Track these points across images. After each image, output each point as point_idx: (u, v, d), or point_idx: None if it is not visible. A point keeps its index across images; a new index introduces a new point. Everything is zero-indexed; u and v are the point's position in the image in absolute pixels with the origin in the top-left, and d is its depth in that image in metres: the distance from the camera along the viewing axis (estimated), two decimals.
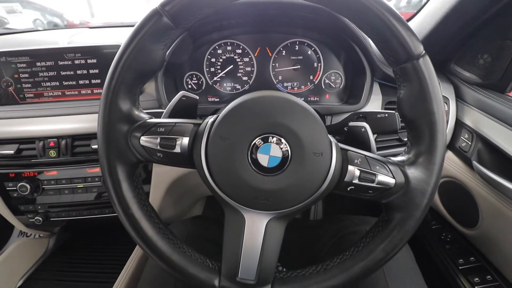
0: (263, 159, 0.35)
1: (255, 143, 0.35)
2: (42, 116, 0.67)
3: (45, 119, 0.66)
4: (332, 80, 0.69)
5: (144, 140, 0.38)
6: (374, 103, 0.64)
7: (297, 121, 0.35)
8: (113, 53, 0.67)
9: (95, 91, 0.70)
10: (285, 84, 0.71)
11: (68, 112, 0.67)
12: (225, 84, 0.72)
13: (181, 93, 0.44)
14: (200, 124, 0.40)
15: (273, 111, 0.35)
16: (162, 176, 0.73)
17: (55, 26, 4.08)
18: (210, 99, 0.73)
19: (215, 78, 0.71)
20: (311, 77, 0.70)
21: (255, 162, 0.35)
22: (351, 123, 0.43)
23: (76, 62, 0.68)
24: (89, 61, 0.68)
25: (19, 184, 0.69)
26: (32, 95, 0.70)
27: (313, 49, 0.68)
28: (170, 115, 0.45)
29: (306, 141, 0.35)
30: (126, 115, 0.38)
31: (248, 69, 0.70)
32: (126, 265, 0.72)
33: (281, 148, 0.35)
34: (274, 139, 0.35)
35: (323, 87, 0.70)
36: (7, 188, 0.72)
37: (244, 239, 0.38)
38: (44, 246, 0.82)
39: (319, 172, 0.36)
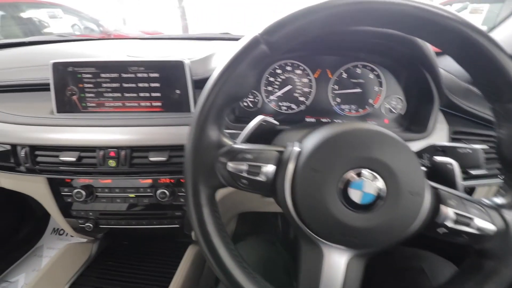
0: (356, 195, 0.33)
1: (348, 177, 0.34)
2: (103, 126, 0.68)
3: (106, 129, 0.68)
4: (393, 105, 0.68)
5: (231, 166, 0.38)
6: (440, 133, 0.62)
7: (394, 157, 0.34)
8: (175, 68, 0.69)
9: (154, 103, 0.71)
10: (343, 107, 0.70)
11: (128, 123, 0.68)
12: (280, 103, 0.71)
13: (260, 118, 0.44)
14: (283, 151, 0.39)
15: (369, 145, 0.34)
16: None
17: (92, 31, 4.29)
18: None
19: (271, 97, 0.71)
20: (371, 101, 0.68)
21: (347, 197, 0.34)
22: (437, 158, 0.42)
23: (139, 75, 0.70)
24: (151, 75, 0.70)
25: (75, 191, 0.70)
26: (94, 104, 0.72)
27: (375, 73, 0.67)
28: (248, 140, 0.45)
29: (402, 178, 0.33)
30: (214, 140, 0.38)
31: (306, 89, 0.69)
32: (173, 280, 0.72)
33: (376, 185, 0.33)
34: (369, 174, 0.33)
35: (383, 111, 0.68)
36: (62, 193, 0.74)
37: (323, 275, 0.37)
38: (88, 251, 0.83)
39: (413, 212, 0.34)
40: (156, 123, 0.68)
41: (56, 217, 0.78)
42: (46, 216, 1.56)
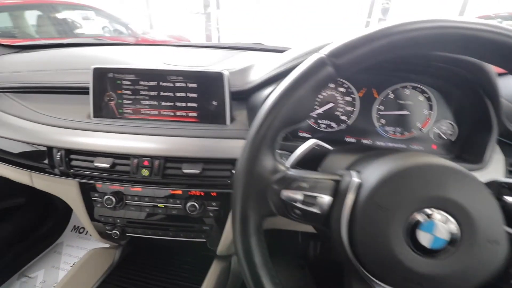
0: (425, 238, 0.30)
1: (417, 218, 0.30)
2: (138, 134, 0.68)
3: (141, 137, 0.67)
4: (443, 131, 0.63)
5: (285, 194, 0.35)
6: (496, 165, 0.57)
7: (471, 198, 0.30)
8: (213, 79, 0.67)
9: (189, 114, 0.70)
10: (387, 128, 0.66)
11: (163, 132, 0.67)
12: (320, 121, 0.68)
13: (313, 142, 0.41)
14: (339, 180, 0.36)
15: (444, 183, 0.31)
16: None
17: (120, 34, 4.44)
18: (301, 134, 0.70)
19: (311, 114, 0.68)
20: (418, 124, 0.64)
21: (414, 239, 0.30)
22: (509, 199, 0.37)
23: (177, 84, 0.69)
24: (189, 85, 0.69)
25: (106, 197, 0.70)
26: (130, 111, 0.72)
27: (425, 95, 0.63)
28: (298, 164, 0.42)
29: (480, 224, 0.30)
30: (268, 165, 0.35)
31: (349, 108, 0.66)
32: None
33: (449, 229, 0.30)
34: (442, 216, 0.30)
35: (431, 136, 0.64)
36: (92, 198, 0.73)
37: None
38: (111, 257, 0.82)
39: (489, 262, 0.30)
40: (191, 134, 0.67)
41: (84, 221, 0.77)
42: (67, 213, 1.59)
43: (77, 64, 0.85)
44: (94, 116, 0.72)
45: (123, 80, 0.70)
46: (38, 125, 0.72)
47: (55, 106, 0.76)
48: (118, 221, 0.75)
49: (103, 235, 0.79)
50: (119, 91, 0.71)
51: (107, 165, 0.66)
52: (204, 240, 0.75)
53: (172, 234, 0.74)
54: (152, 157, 0.66)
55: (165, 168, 0.66)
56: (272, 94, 0.35)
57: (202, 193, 0.71)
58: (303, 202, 0.35)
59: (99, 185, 0.73)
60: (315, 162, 0.43)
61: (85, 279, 0.74)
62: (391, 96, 0.64)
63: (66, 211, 1.56)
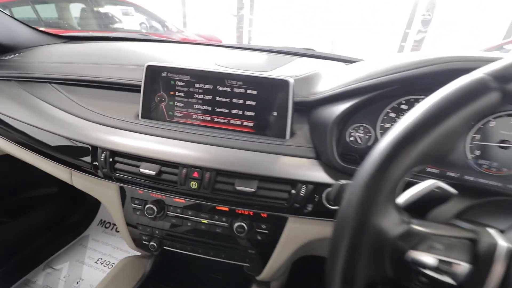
0: None
1: None
2: (189, 141, 0.61)
3: (192, 145, 0.61)
4: None
5: (413, 257, 0.26)
6: None
7: None
8: (277, 87, 0.60)
9: (245, 123, 0.63)
10: (481, 162, 0.55)
11: (215, 142, 0.61)
12: None
13: (433, 183, 0.32)
14: (475, 239, 0.27)
15: None
16: (297, 233, 0.62)
17: (156, 30, 4.52)
18: None
19: None
20: None
21: None
22: None
23: (235, 90, 0.62)
24: (249, 91, 0.62)
25: (147, 206, 0.64)
26: (181, 114, 0.66)
27: None
28: (408, 208, 0.33)
29: None
30: (389, 215, 0.27)
31: None
32: None
33: None
34: None
35: None
36: (133, 205, 0.68)
37: None
38: (143, 267, 0.77)
39: None
40: (246, 147, 0.59)
41: (120, 227, 0.72)
42: (95, 206, 1.58)
43: (127, 59, 0.81)
44: (142, 117, 0.67)
45: (177, 81, 0.64)
46: (83, 121, 0.68)
47: (102, 102, 0.72)
48: (157, 232, 0.69)
49: (138, 244, 0.74)
50: (171, 92, 0.65)
51: (153, 173, 0.60)
52: (248, 265, 0.67)
53: (213, 254, 0.68)
54: (202, 169, 0.59)
55: (215, 182, 0.59)
56: (402, 121, 0.27)
57: (251, 213, 0.63)
58: (435, 269, 0.26)
59: (140, 192, 0.67)
60: (425, 207, 0.34)
61: None
62: (492, 124, 0.53)
63: (94, 204, 1.55)
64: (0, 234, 1.21)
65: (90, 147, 0.65)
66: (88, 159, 0.66)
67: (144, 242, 0.70)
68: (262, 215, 0.63)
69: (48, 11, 3.58)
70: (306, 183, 0.56)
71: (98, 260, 1.36)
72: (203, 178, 0.59)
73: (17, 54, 0.93)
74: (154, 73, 0.65)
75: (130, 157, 0.63)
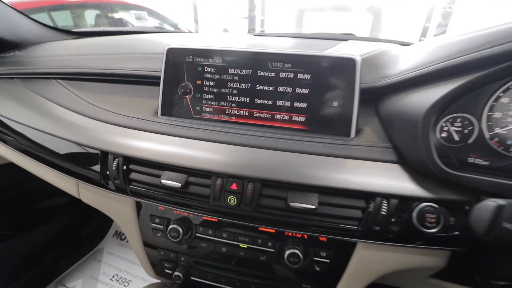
0: None
1: None
2: (224, 143, 0.47)
3: (227, 148, 0.47)
4: None
5: None
6: None
7: None
8: (339, 68, 0.45)
9: (295, 118, 0.48)
10: None
11: (257, 143, 0.46)
12: (509, 142, 0.42)
13: None
14: None
15: None
16: (371, 264, 0.46)
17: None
18: (471, 160, 0.44)
19: (499, 130, 0.42)
20: None
21: None
22: None
23: (282, 75, 0.47)
24: (300, 75, 0.47)
25: (171, 227, 0.50)
26: (211, 109, 0.52)
27: None
28: None
29: None
30: None
31: None
32: None
33: None
34: None
35: None
36: (152, 224, 0.54)
37: None
38: None
39: None
40: (300, 149, 0.45)
41: (137, 251, 0.59)
42: (110, 218, 1.47)
43: (143, 48, 0.68)
44: (163, 114, 0.53)
45: (205, 67, 0.51)
46: (91, 120, 0.55)
47: (115, 99, 0.60)
48: (183, 259, 0.55)
49: (159, 272, 0.60)
50: (198, 82, 0.51)
51: (178, 184, 0.46)
52: None
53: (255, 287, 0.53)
54: (243, 179, 0.45)
55: (260, 197, 0.44)
56: None
57: (305, 235, 0.48)
58: None
59: (161, 208, 0.54)
60: None
61: None
62: None
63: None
64: (9, 249, 1.11)
65: (99, 153, 0.52)
66: (97, 167, 0.53)
67: (166, 270, 0.56)
68: (320, 238, 0.48)
69: (63, 18, 3.59)
70: (388, 196, 0.41)
71: (113, 277, 1.24)
72: (244, 192, 0.44)
73: (22, 51, 0.83)
74: (177, 58, 0.51)
75: (148, 165, 0.50)
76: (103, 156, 0.52)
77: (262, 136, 0.47)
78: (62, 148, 0.58)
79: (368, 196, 0.42)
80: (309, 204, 0.42)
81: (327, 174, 0.42)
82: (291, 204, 0.42)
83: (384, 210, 0.41)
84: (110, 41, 0.79)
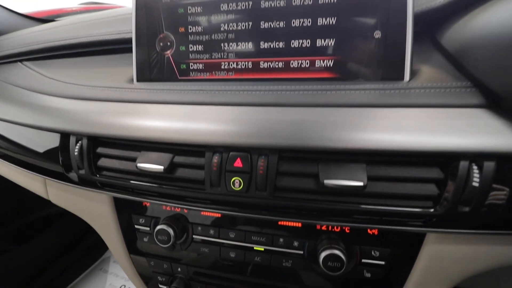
0: None
1: None
2: (220, 104, 0.33)
3: (226, 111, 0.32)
4: None
5: None
6: None
7: None
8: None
9: (319, 63, 0.34)
10: None
11: (268, 99, 0.32)
12: None
13: None
14: None
15: None
16: (451, 264, 0.31)
17: None
18: None
19: None
20: None
21: None
22: None
23: (296, 3, 0.33)
24: (321, 1, 0.32)
25: (158, 229, 0.36)
26: (200, 66, 0.38)
27: None
28: None
29: None
30: None
31: None
32: None
33: None
34: None
35: None
36: (136, 225, 0.41)
37: None
38: None
39: None
40: (331, 101, 0.30)
41: (122, 262, 0.46)
42: None
43: (114, 12, 0.55)
44: (139, 80, 0.40)
45: (189, 7, 0.37)
46: (49, 97, 0.42)
47: (82, 72, 0.47)
48: (179, 269, 0.41)
49: (150, 285, 0.46)
50: (181, 29, 0.38)
51: (160, 168, 0.32)
52: None
53: None
54: (250, 151, 0.30)
55: (278, 176, 0.30)
56: None
57: (347, 229, 0.33)
58: None
59: (147, 204, 0.40)
60: None
61: None
62: None
63: None
64: (9, 262, 1.01)
65: (59, 136, 0.39)
66: (58, 155, 0.40)
67: (161, 286, 0.43)
68: (368, 231, 0.33)
69: None
70: (481, 157, 0.26)
71: (121, 287, 1.13)
72: (253, 170, 0.30)
73: None
74: (150, 3, 0.38)
75: (121, 146, 0.36)
76: (63, 140, 0.39)
77: (274, 90, 0.33)
78: (24, 138, 0.46)
79: (446, 161, 0.27)
80: (354, 180, 0.27)
81: (379, 132, 0.27)
82: (326, 182, 0.28)
83: (475, 179, 0.26)
84: (82, 15, 0.66)
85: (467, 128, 0.26)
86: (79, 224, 1.24)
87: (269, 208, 0.32)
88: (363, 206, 0.28)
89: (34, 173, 0.46)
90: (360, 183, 0.27)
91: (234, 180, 0.30)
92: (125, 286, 1.14)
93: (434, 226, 0.28)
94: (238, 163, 0.30)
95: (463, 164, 0.26)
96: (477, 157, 0.26)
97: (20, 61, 0.58)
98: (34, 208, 1.11)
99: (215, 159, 0.31)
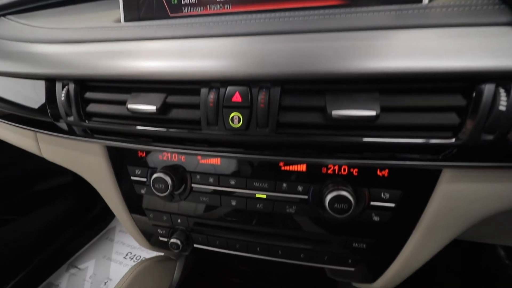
0: None
1: None
2: (216, 36, 0.30)
3: (221, 42, 0.29)
4: None
5: None
6: None
7: None
8: None
9: None
10: None
11: (268, 28, 0.28)
12: None
13: None
14: None
15: None
16: (464, 204, 0.29)
17: None
18: None
19: None
20: None
21: None
22: None
23: None
24: None
25: (155, 177, 0.34)
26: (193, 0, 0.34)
27: None
28: None
29: None
30: None
31: None
32: None
33: None
34: None
35: None
36: (132, 177, 0.39)
37: None
38: (168, 273, 0.49)
39: None
40: (340, 25, 0.26)
41: (120, 217, 0.44)
42: None
43: None
44: (127, 20, 0.36)
45: None
46: (30, 44, 0.39)
47: (65, 18, 0.43)
48: (179, 221, 0.40)
49: (154, 242, 0.46)
50: None
51: (152, 108, 0.30)
52: (353, 269, 0.36)
53: (283, 254, 0.37)
54: (249, 84, 0.28)
55: (281, 110, 0.27)
56: None
57: (355, 171, 0.31)
58: None
59: (142, 154, 0.38)
60: None
61: None
62: None
63: None
64: (16, 231, 1.03)
65: (44, 82, 0.37)
66: (45, 103, 0.37)
67: (161, 238, 0.42)
68: (378, 173, 0.31)
69: None
70: (509, 79, 0.23)
71: (127, 255, 1.15)
72: (253, 104, 0.27)
73: None
74: None
75: (109, 89, 0.33)
76: (49, 87, 0.36)
77: (275, 18, 0.29)
78: (10, 90, 0.43)
79: (469, 85, 0.24)
80: (365, 109, 0.24)
81: (395, 54, 0.24)
82: (334, 113, 0.25)
83: (502, 103, 0.23)
84: None
85: (496, 47, 0.23)
86: (83, 197, 1.26)
87: (271, 147, 0.29)
88: (374, 139, 0.26)
89: (24, 127, 0.43)
90: (372, 113, 0.24)
91: (232, 117, 0.28)
92: (131, 253, 1.16)
93: (452, 159, 0.26)
94: (236, 98, 0.27)
95: (489, 87, 0.23)
96: (505, 79, 0.23)
97: (3, 15, 0.54)
98: (37, 181, 1.11)
99: (212, 94, 0.28)
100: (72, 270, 1.09)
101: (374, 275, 0.37)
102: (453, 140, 0.24)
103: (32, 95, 0.40)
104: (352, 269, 0.36)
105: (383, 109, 0.25)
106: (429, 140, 0.25)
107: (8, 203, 1.03)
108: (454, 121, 0.24)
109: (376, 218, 0.32)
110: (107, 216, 1.34)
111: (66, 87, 0.35)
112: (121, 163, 0.39)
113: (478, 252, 0.62)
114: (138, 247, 1.17)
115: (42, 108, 0.38)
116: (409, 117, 0.25)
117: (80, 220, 1.23)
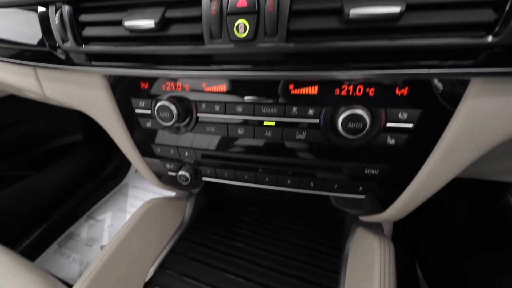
0: None
1: None
2: None
3: None
4: None
5: None
6: None
7: None
8: None
9: None
10: None
11: None
12: None
13: None
14: None
15: None
16: (486, 128, 0.27)
17: None
18: None
19: None
20: None
21: None
22: None
23: None
24: None
25: (159, 105, 0.33)
26: None
27: None
28: None
29: None
30: None
31: None
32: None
33: None
34: None
35: None
36: (137, 111, 0.38)
37: None
38: (179, 212, 0.50)
39: None
40: None
41: (129, 155, 0.44)
42: None
43: None
44: None
45: None
46: None
47: None
48: (187, 154, 0.39)
49: (165, 180, 0.46)
50: None
51: (150, 23, 0.27)
52: (363, 196, 0.36)
53: (292, 183, 0.37)
54: None
55: (292, 16, 0.25)
56: None
57: (371, 90, 0.29)
58: None
59: (145, 85, 0.36)
60: None
61: (139, 255, 0.44)
62: None
63: None
64: (35, 186, 1.07)
65: (37, 7, 0.34)
66: (40, 32, 0.35)
67: (170, 173, 0.42)
68: (396, 92, 0.28)
69: None
70: None
71: None
72: (260, 8, 0.24)
73: None
74: None
75: (104, 8, 0.31)
76: (43, 13, 0.33)
77: None
78: (7, 29, 0.41)
79: None
80: (387, 5, 0.21)
81: None
82: (352, 12, 0.22)
83: None
84: None
85: None
86: (95, 155, 1.28)
87: (280, 61, 0.27)
88: (397, 42, 0.23)
89: (23, 62, 0.41)
90: (396, 9, 0.21)
91: (238, 25, 0.25)
92: None
93: (484, 65, 0.23)
94: (242, 2, 0.24)
95: None
96: None
97: None
98: (48, 139, 1.13)
99: (214, 2, 0.25)
100: (91, 221, 1.15)
101: (384, 204, 0.36)
102: (490, 38, 0.21)
103: (27, 29, 0.38)
104: (363, 196, 0.35)
105: (408, 8, 0.22)
106: (462, 39, 0.22)
107: (22, 159, 1.06)
108: (490, 18, 0.21)
109: (391, 141, 0.30)
110: (120, 174, 1.38)
111: (60, 9, 0.32)
112: (124, 97, 0.38)
113: (488, 193, 0.61)
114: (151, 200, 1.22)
115: (38, 39, 0.36)
116: (437, 15, 0.22)
117: (95, 177, 1.27)
